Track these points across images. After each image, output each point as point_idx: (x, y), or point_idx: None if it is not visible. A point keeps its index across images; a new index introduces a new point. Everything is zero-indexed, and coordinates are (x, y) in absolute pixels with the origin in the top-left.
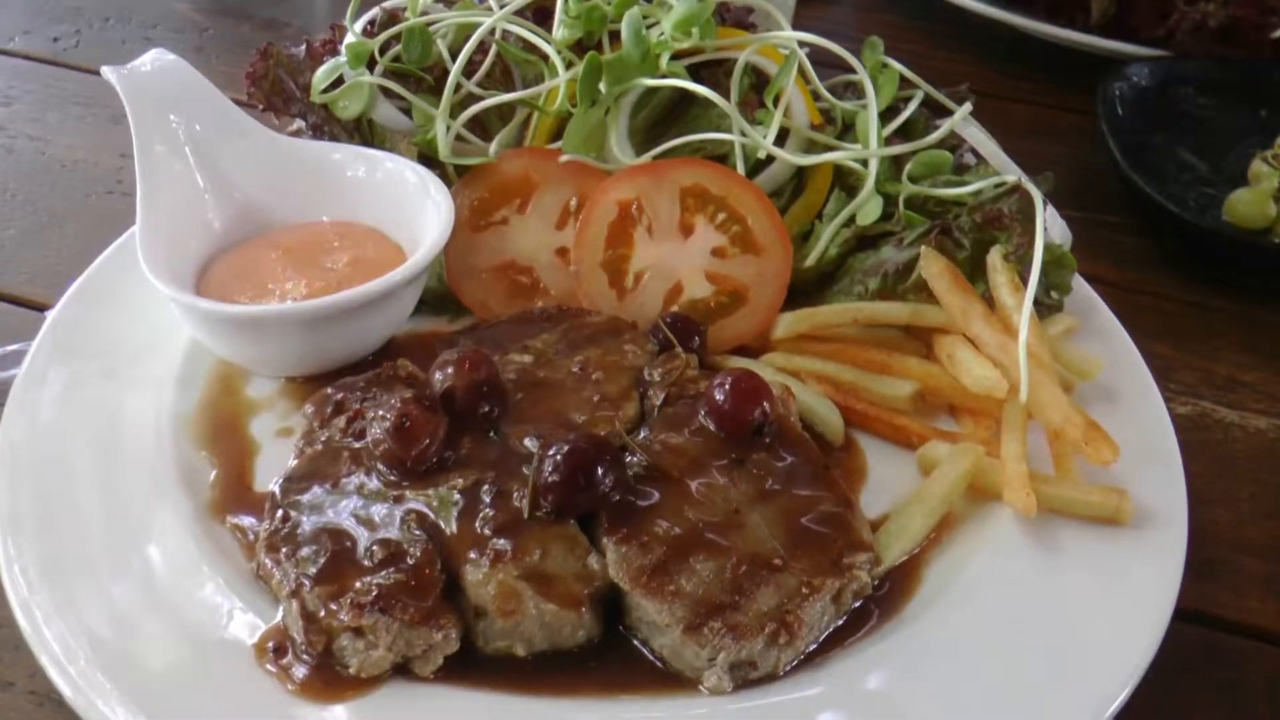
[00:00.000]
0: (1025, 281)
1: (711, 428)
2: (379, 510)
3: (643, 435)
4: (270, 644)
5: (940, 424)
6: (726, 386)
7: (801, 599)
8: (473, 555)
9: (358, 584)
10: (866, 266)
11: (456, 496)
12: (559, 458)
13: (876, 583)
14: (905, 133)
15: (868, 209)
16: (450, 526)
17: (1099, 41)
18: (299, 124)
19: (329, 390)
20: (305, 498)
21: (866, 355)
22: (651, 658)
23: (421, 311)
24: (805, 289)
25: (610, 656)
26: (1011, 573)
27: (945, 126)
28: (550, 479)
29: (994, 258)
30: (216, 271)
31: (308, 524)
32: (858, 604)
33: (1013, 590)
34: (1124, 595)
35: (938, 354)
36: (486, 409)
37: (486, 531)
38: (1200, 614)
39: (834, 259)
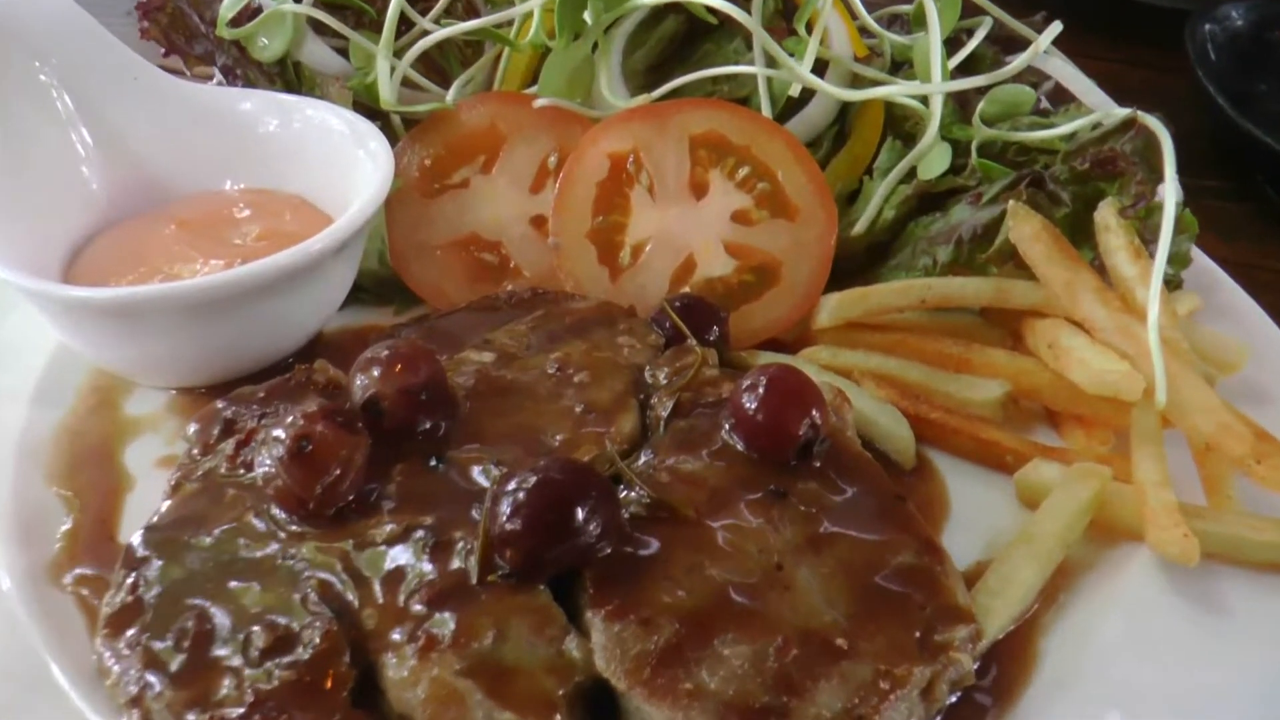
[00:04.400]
0: (1148, 244)
1: (740, 447)
2: (269, 573)
3: (644, 460)
4: None
5: (1037, 436)
6: (760, 390)
7: (879, 697)
8: (396, 638)
9: (227, 686)
10: (933, 233)
11: (378, 552)
12: (523, 495)
13: (978, 664)
14: (970, 69)
15: (932, 159)
16: (367, 596)
17: None
18: (217, 78)
19: (219, 404)
20: (169, 556)
21: (938, 347)
22: None
23: (360, 301)
24: (854, 263)
25: None
26: (1160, 644)
27: (1024, 57)
28: (509, 526)
29: (1105, 214)
30: (94, 251)
31: (168, 595)
32: (955, 698)
33: (1163, 668)
34: None
35: (1031, 344)
36: (427, 425)
37: (417, 604)
38: None
39: (890, 224)
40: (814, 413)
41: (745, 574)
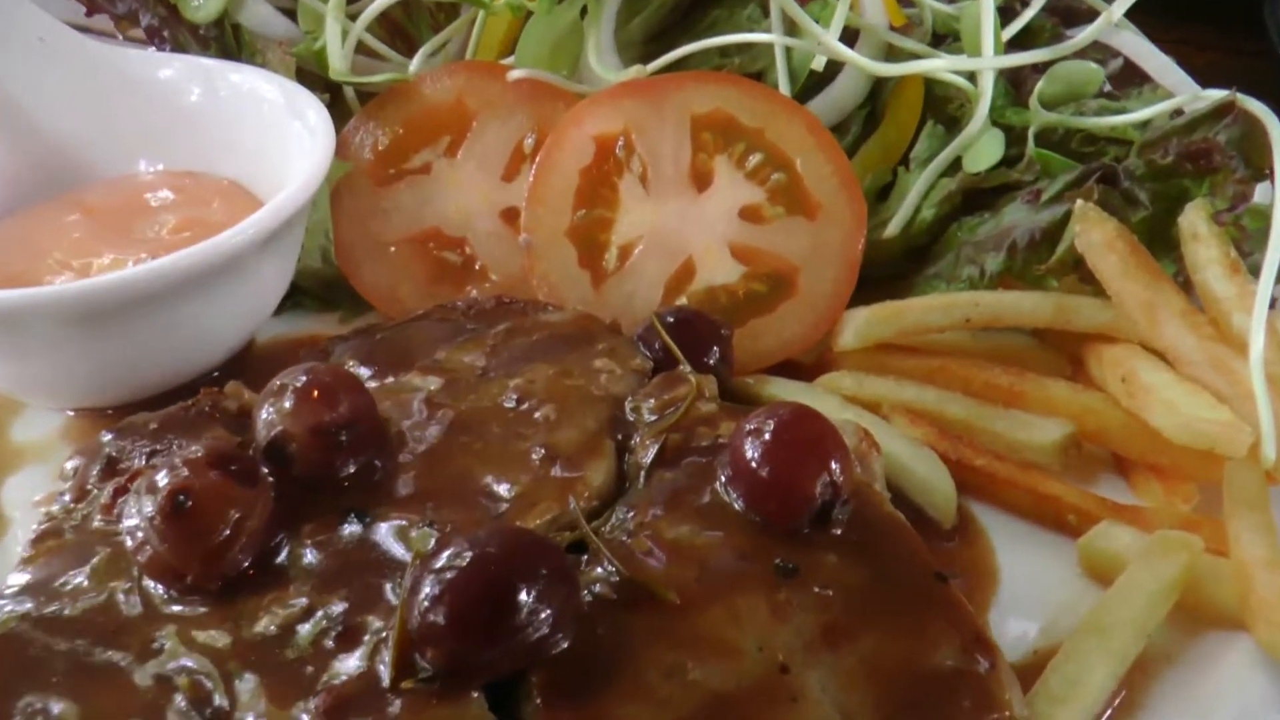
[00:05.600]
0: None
1: (739, 507)
2: (132, 667)
3: (618, 520)
4: None
5: (1100, 487)
6: (767, 435)
7: None
8: None
9: None
10: (981, 236)
11: (268, 643)
12: (450, 576)
13: None
14: (1025, 43)
15: (980, 148)
16: (249, 702)
17: None
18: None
19: (103, 437)
20: (14, 636)
21: (985, 377)
22: None
23: (300, 306)
24: (885, 271)
25: None
26: None
27: (1093, 27)
28: (431, 618)
29: (1194, 219)
30: None
31: (4, 693)
32: None
33: None
34: None
35: (1097, 375)
36: (350, 472)
37: (312, 716)
38: None
39: (929, 225)
40: (834, 468)
41: (741, 679)
